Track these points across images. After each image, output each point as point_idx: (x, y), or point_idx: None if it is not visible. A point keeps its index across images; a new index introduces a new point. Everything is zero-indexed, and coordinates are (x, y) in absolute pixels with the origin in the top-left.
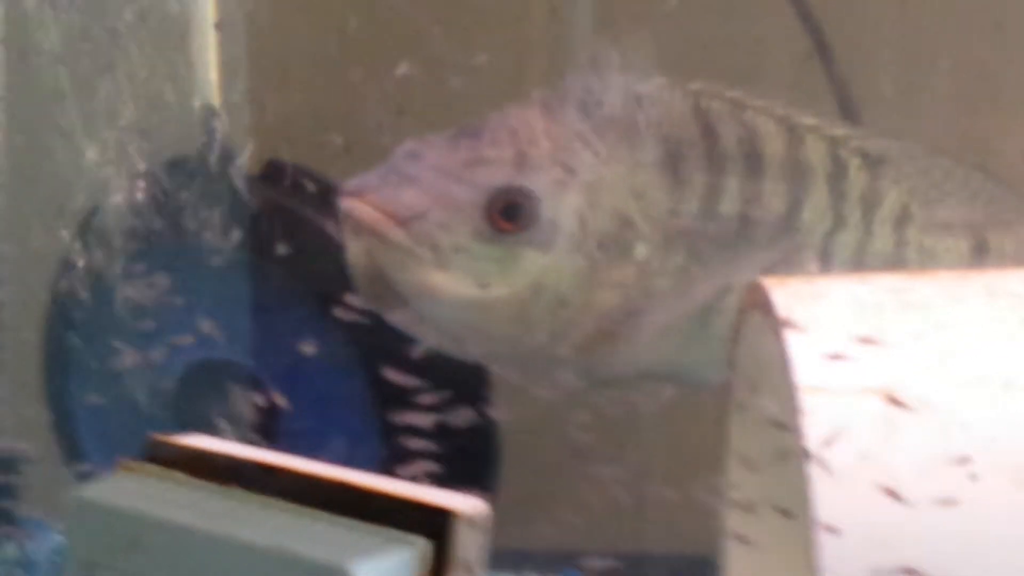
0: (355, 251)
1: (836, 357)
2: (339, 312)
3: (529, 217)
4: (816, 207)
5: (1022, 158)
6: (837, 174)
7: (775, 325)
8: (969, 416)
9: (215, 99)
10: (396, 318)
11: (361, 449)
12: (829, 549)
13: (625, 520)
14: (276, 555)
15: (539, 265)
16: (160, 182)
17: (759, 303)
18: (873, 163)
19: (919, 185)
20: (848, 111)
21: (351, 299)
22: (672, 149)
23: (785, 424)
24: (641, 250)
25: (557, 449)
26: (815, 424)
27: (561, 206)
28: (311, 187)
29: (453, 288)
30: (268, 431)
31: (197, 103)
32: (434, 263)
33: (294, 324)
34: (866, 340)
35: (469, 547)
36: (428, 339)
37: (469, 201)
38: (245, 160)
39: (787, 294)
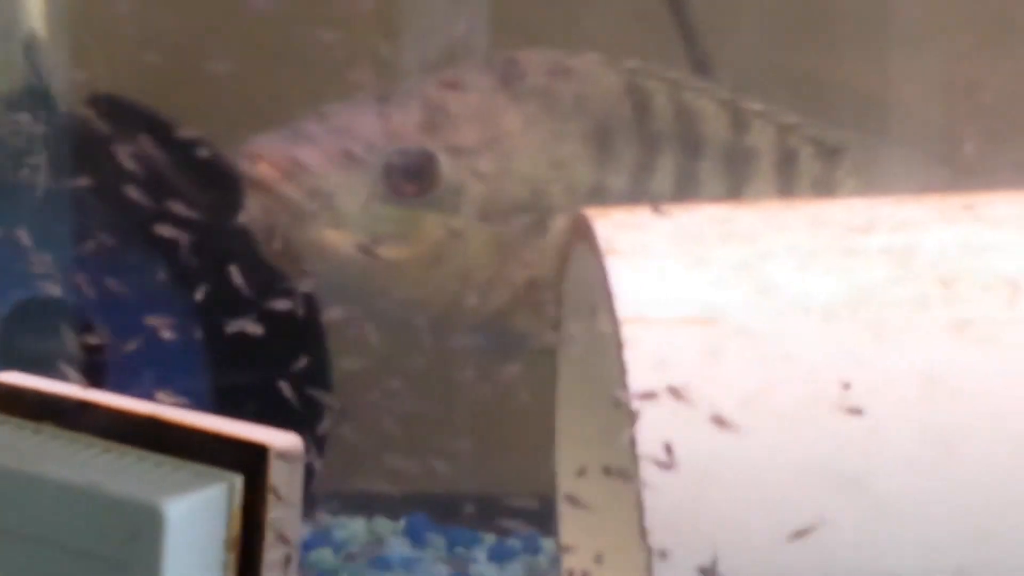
0: (255, 208)
1: (658, 287)
2: (165, 249)
3: (430, 180)
4: (761, 193)
5: (844, 91)
6: (785, 161)
7: (598, 255)
8: (791, 347)
9: (39, 26)
10: (296, 277)
11: (188, 386)
12: (651, 489)
13: (467, 463)
14: (88, 493)
15: (441, 230)
16: None
17: (583, 234)
18: (827, 152)
19: (877, 175)
20: (697, 59)
21: (177, 236)
22: (600, 123)
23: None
24: (558, 222)
25: (399, 395)
26: (638, 356)
27: (466, 171)
28: (136, 120)
29: (351, 247)
30: (96, 370)
31: (21, 31)
32: (330, 222)
33: (121, 261)
34: (688, 269)
35: (284, 482)
36: (335, 300)
37: (369, 161)
38: (67, 92)
39: (610, 224)
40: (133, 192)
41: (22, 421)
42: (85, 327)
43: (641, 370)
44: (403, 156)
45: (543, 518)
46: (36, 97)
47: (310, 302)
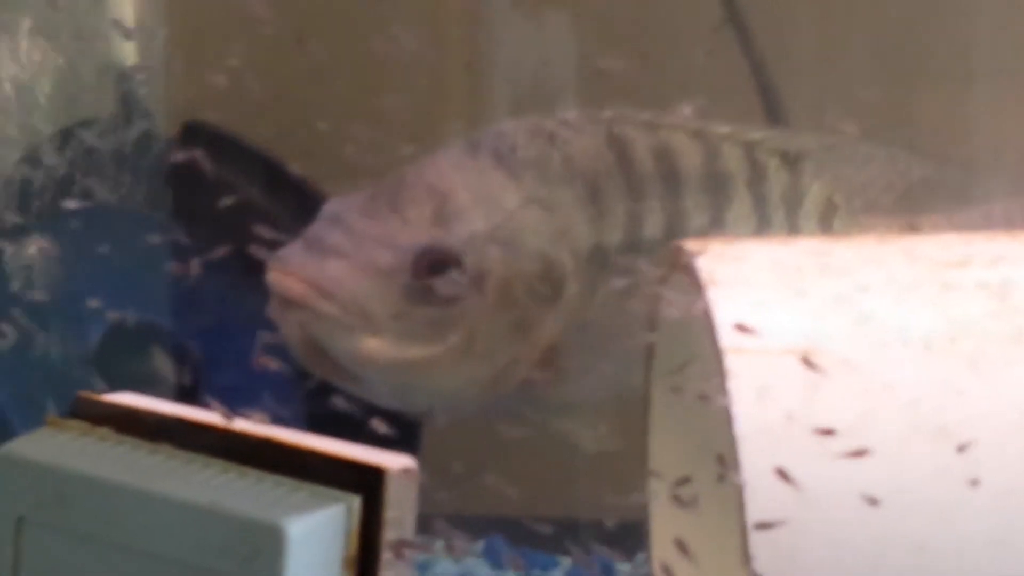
0: (288, 324)
1: (760, 317)
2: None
3: (458, 275)
4: (739, 214)
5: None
6: (756, 178)
7: (697, 287)
8: (891, 378)
9: (131, 59)
10: (341, 384)
11: (285, 411)
12: (754, 507)
13: (553, 487)
14: (208, 512)
15: (470, 317)
16: (71, 145)
17: (680, 265)
18: (792, 160)
19: (840, 175)
20: (765, 89)
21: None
22: (590, 182)
23: (708, 395)
24: (570, 287)
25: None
26: (740, 386)
27: (486, 257)
28: (229, 149)
29: (389, 353)
30: (192, 396)
31: (113, 63)
32: (367, 330)
33: (215, 287)
34: (788, 300)
35: (400, 504)
36: (376, 400)
37: (395, 265)
38: (162, 122)
39: (709, 257)
40: (228, 219)
41: (138, 441)
42: (179, 352)
43: (745, 400)
44: (428, 254)
45: (621, 542)
46: (130, 123)
47: None
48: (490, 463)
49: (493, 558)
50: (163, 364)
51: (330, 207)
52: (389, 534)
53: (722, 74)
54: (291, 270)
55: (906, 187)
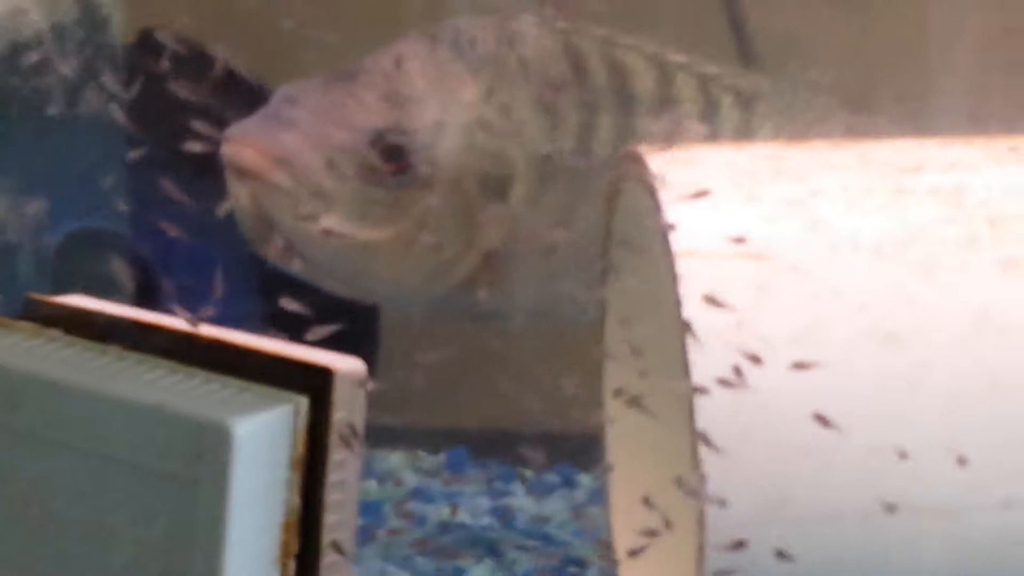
0: (240, 196)
1: (711, 222)
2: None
3: (411, 157)
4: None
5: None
6: (709, 112)
7: (651, 191)
8: (841, 283)
9: None
10: (284, 261)
11: (240, 314)
12: (704, 412)
13: (508, 399)
14: (155, 412)
15: (420, 205)
16: (29, 53)
17: (635, 171)
18: (745, 100)
19: (791, 120)
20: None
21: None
22: (545, 88)
23: (660, 299)
24: (518, 190)
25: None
26: (691, 291)
27: (440, 146)
28: (187, 56)
29: (337, 231)
30: (149, 303)
31: None
32: (318, 206)
33: (171, 192)
34: (740, 206)
35: (349, 405)
36: (317, 281)
37: (350, 144)
38: (119, 29)
39: (662, 160)
40: (184, 125)
41: (88, 342)
42: (136, 258)
43: (695, 304)
44: (383, 136)
45: (581, 454)
46: (87, 28)
47: None
48: (451, 376)
49: (456, 470)
50: (120, 270)
51: (288, 89)
52: (337, 435)
53: (696, 9)
54: (247, 141)
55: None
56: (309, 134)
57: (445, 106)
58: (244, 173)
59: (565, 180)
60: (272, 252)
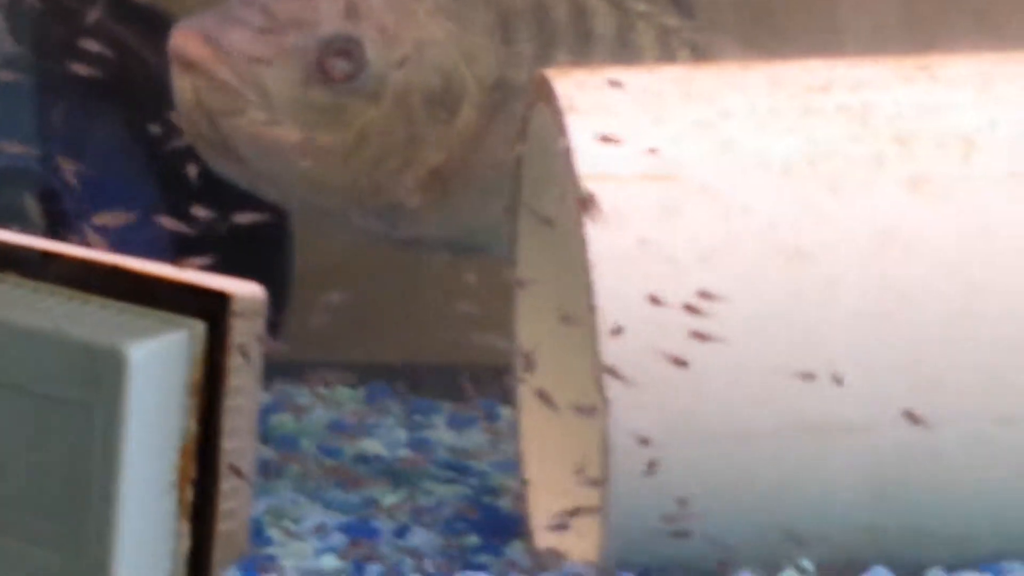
0: (183, 89)
1: (619, 144)
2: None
3: (357, 67)
4: None
5: None
6: (666, 62)
7: (558, 114)
8: (749, 201)
9: None
10: (219, 162)
11: (148, 244)
12: (612, 345)
13: (435, 332)
14: (51, 338)
15: (364, 116)
16: None
17: (544, 95)
18: (700, 55)
19: None
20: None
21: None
22: (503, 15)
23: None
24: (467, 112)
25: (358, 267)
26: (597, 211)
27: (389, 59)
28: None
29: (276, 132)
30: (58, 233)
31: None
32: (260, 106)
33: (83, 129)
34: (649, 127)
35: (246, 331)
36: (249, 183)
37: (299, 47)
38: None
39: (571, 83)
40: (87, 54)
41: None
42: (47, 193)
43: (601, 225)
44: (333, 42)
45: (501, 387)
46: None
47: None
48: (373, 309)
49: (375, 404)
50: (31, 206)
51: None
52: (236, 360)
53: None
54: (194, 34)
55: None
56: (258, 32)
57: (399, 20)
58: (188, 65)
59: (515, 110)
60: (208, 151)
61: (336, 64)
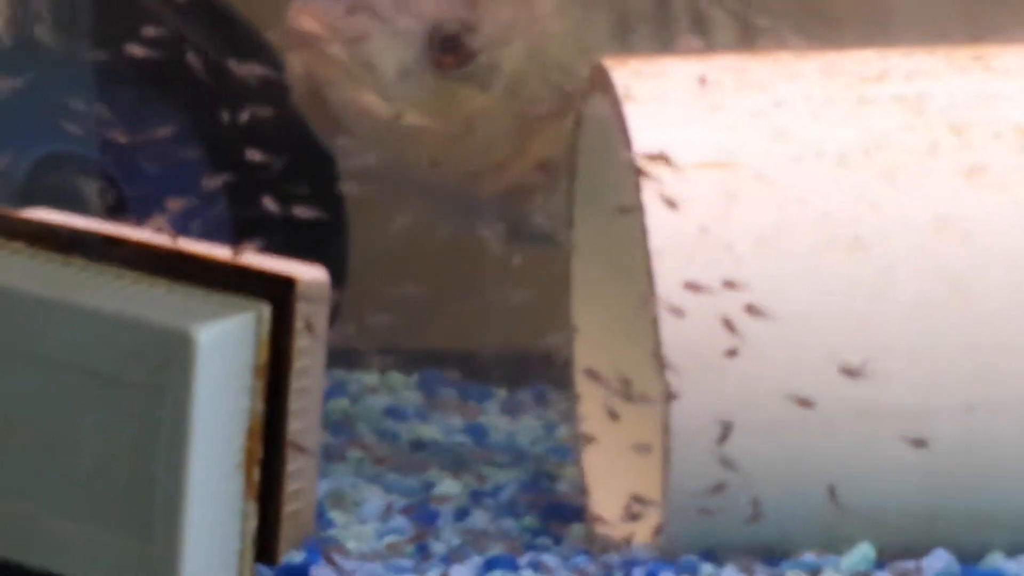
0: (294, 62)
1: (676, 132)
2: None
3: (470, 53)
4: None
5: None
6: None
7: (615, 103)
8: (805, 191)
9: None
10: (330, 137)
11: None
12: (672, 331)
13: (489, 320)
14: (118, 321)
15: (474, 103)
16: None
17: (600, 84)
18: (740, 19)
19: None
20: None
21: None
22: (623, 18)
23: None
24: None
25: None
26: (654, 199)
27: (503, 49)
28: None
29: (385, 112)
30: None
31: None
32: (370, 85)
33: (141, 115)
34: (705, 116)
35: (311, 313)
36: (355, 158)
37: (413, 28)
38: None
39: (627, 73)
40: (151, 43)
41: (51, 254)
42: (106, 181)
43: (658, 212)
44: (447, 27)
45: (554, 373)
46: None
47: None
48: (427, 297)
49: (429, 390)
50: (91, 194)
51: None
52: (301, 342)
53: None
54: (309, 9)
55: None
56: (372, 11)
57: (518, 12)
58: (302, 40)
59: None
60: (320, 125)
61: (448, 49)
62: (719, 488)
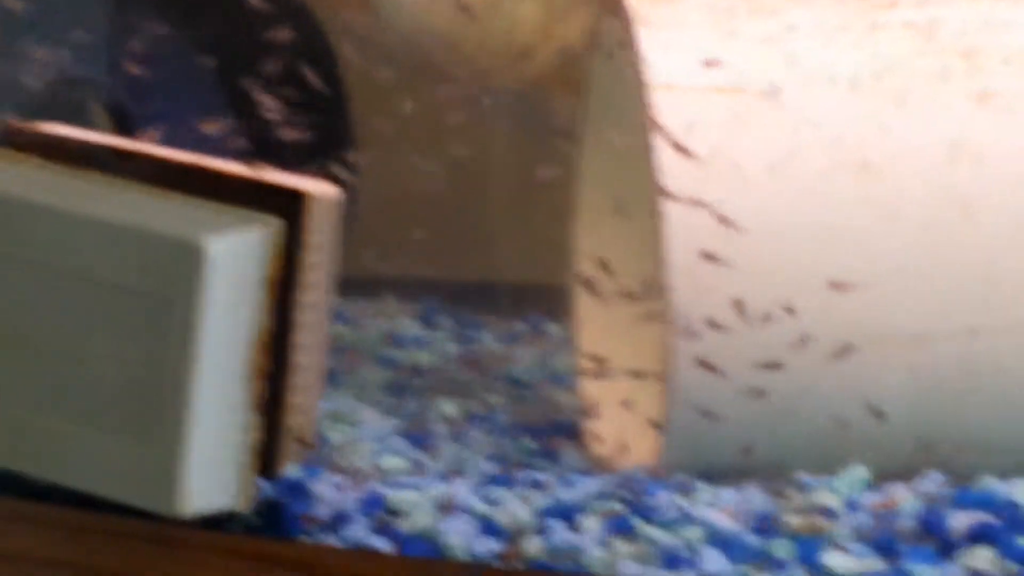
0: None
1: (688, 56)
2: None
3: None
4: None
5: None
6: None
7: (627, 27)
8: (816, 115)
9: None
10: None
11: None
12: (677, 249)
13: (482, 250)
14: (129, 231)
15: None
16: None
17: (612, 7)
18: None
19: None
20: None
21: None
22: None
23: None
24: None
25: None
26: (666, 121)
27: None
28: None
29: None
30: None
31: None
32: None
33: (152, 40)
34: (717, 41)
35: (322, 230)
36: (382, 39)
37: None
38: None
39: None
40: None
41: (65, 168)
42: (116, 107)
43: (671, 134)
44: None
45: (551, 304)
46: None
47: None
48: (425, 227)
49: (427, 319)
50: (100, 118)
51: None
52: (311, 258)
53: None
54: None
55: None
56: None
57: None
58: None
59: None
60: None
61: None
62: (717, 407)
